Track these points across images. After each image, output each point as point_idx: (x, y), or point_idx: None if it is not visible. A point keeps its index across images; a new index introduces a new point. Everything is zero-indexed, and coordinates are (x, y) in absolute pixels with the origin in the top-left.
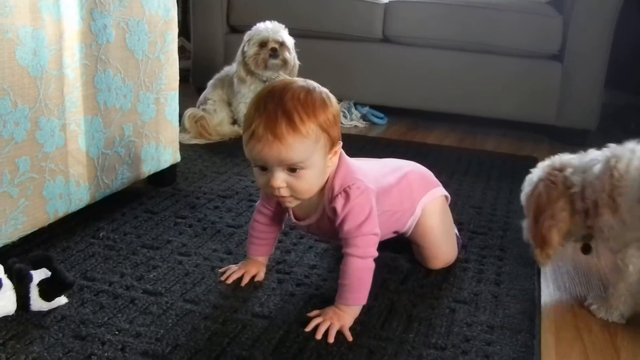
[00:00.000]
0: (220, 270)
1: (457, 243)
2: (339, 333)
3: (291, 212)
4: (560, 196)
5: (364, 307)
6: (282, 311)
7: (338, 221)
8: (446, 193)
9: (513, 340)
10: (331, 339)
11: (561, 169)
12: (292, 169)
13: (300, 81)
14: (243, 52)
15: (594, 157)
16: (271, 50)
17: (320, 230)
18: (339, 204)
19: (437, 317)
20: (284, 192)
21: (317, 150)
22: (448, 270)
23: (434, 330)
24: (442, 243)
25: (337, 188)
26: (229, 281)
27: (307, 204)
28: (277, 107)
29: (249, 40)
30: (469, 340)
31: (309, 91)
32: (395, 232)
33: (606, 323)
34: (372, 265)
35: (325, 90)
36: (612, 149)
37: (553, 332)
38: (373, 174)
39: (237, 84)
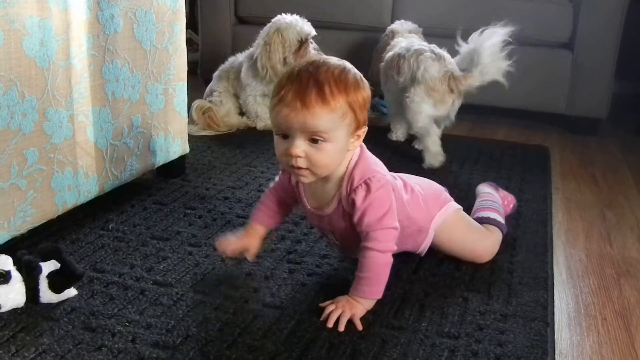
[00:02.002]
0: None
1: (501, 228)
2: (350, 322)
3: (304, 197)
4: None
5: None
6: (294, 301)
7: (357, 214)
8: (459, 207)
9: (526, 329)
10: (341, 327)
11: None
12: (313, 140)
13: (335, 59)
14: (286, 48)
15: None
16: (309, 44)
17: (332, 225)
18: (359, 196)
19: (450, 305)
20: (301, 163)
21: (342, 127)
22: (460, 260)
23: (447, 319)
24: (470, 245)
25: (357, 179)
26: (220, 248)
27: (321, 192)
28: (310, 77)
29: (286, 36)
30: (482, 328)
31: (344, 69)
32: (409, 249)
33: (620, 312)
34: (390, 259)
35: (359, 73)
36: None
37: (566, 321)
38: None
39: (246, 76)
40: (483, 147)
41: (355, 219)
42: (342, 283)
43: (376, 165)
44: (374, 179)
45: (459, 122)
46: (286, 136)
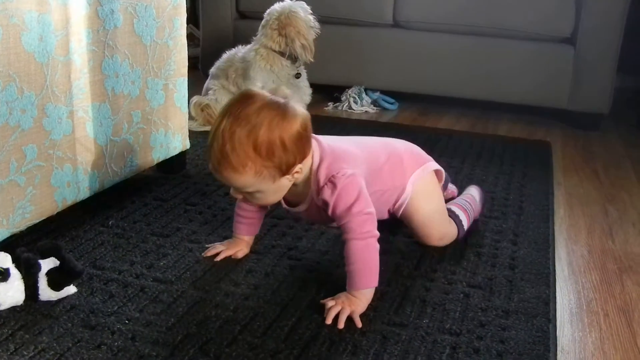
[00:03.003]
0: (207, 248)
1: (458, 227)
2: (350, 319)
3: (282, 200)
4: None
5: (377, 292)
6: (294, 298)
7: (330, 209)
8: (438, 167)
9: (528, 325)
10: (341, 325)
11: None
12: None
13: (254, 103)
14: (312, 33)
15: None
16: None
17: (312, 217)
18: (326, 194)
19: (451, 302)
20: (243, 201)
21: (262, 181)
22: (462, 255)
23: (449, 315)
24: (431, 224)
25: (322, 179)
26: (208, 254)
27: (293, 194)
28: (220, 146)
29: (296, 17)
30: (484, 325)
31: (257, 117)
32: (389, 212)
33: (622, 307)
34: (374, 244)
35: (282, 109)
36: None
37: (568, 317)
38: (362, 155)
39: (258, 71)
40: (485, 142)
41: (329, 213)
42: (343, 280)
43: (339, 159)
44: (338, 175)
45: (461, 118)
46: None
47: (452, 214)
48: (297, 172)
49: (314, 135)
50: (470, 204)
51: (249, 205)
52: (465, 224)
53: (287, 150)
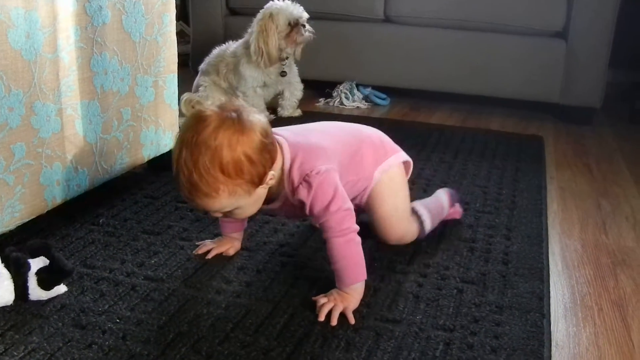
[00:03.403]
0: (197, 246)
1: (420, 226)
2: (344, 316)
3: None
4: None
5: (370, 288)
6: (287, 295)
7: (307, 210)
8: (407, 158)
9: (522, 321)
10: (334, 322)
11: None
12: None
13: (207, 127)
14: (277, 32)
15: None
16: (302, 27)
17: (286, 214)
18: (302, 194)
19: (444, 298)
20: (225, 219)
21: (238, 198)
22: (455, 251)
23: (442, 311)
24: (392, 220)
25: (296, 179)
26: (199, 252)
27: (269, 195)
28: (183, 170)
29: (271, 20)
30: (478, 321)
31: (215, 140)
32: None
33: (616, 302)
34: (355, 238)
35: (238, 124)
36: None
37: (562, 312)
38: (332, 147)
39: (247, 68)
40: (477, 137)
41: (307, 213)
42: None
43: (311, 156)
44: (312, 173)
45: (453, 113)
46: None
47: (415, 213)
48: (270, 178)
49: (279, 132)
50: (435, 205)
51: None
52: (428, 226)
53: (254, 163)
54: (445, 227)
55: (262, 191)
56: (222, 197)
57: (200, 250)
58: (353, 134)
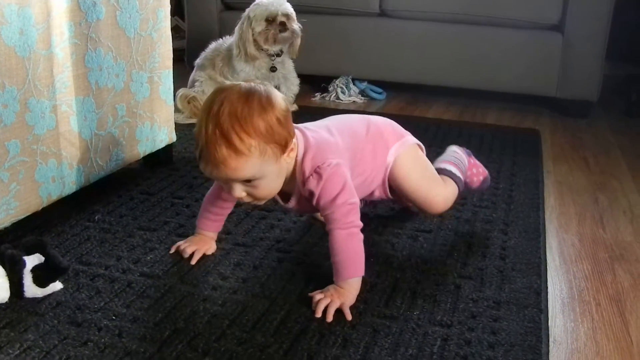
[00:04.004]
0: (171, 251)
1: (457, 182)
2: (340, 312)
3: (277, 196)
4: None
5: (367, 284)
6: (283, 291)
7: (315, 200)
8: (418, 141)
9: (520, 316)
10: (330, 318)
11: None
12: (247, 180)
13: (238, 89)
14: (251, 30)
15: None
16: (280, 25)
17: (304, 210)
18: (312, 185)
19: (442, 293)
20: (247, 199)
21: (266, 161)
22: (452, 246)
23: (439, 307)
24: (424, 187)
25: (307, 171)
26: (185, 255)
27: (282, 189)
28: (215, 129)
29: (253, 17)
30: (475, 316)
31: (246, 102)
32: (374, 191)
33: (614, 297)
34: (358, 234)
35: (266, 91)
36: None
37: (560, 307)
38: (344, 140)
39: (238, 62)
40: (473, 131)
41: (314, 203)
42: (332, 272)
43: (324, 149)
44: (323, 165)
45: (450, 107)
46: None
47: (442, 171)
48: (292, 149)
49: (296, 125)
50: (452, 155)
51: (220, 201)
52: (460, 174)
53: (282, 125)
54: (442, 222)
55: (284, 164)
56: (253, 156)
57: (185, 254)
58: (362, 122)
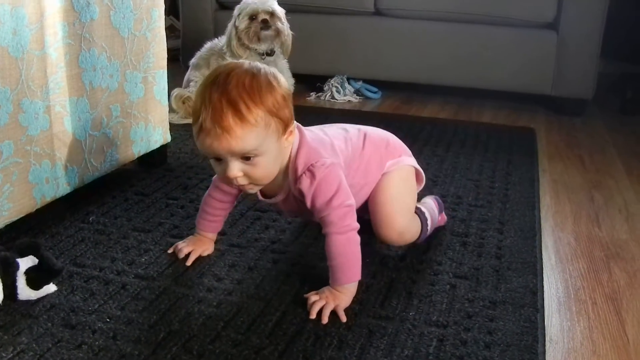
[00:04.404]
0: (169, 250)
1: (422, 224)
2: (335, 313)
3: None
4: None
5: (362, 285)
6: (278, 292)
7: (308, 202)
8: (417, 165)
9: (516, 316)
10: (325, 319)
11: None
12: (246, 157)
13: (245, 65)
14: (235, 27)
15: None
16: (262, 22)
17: (288, 208)
18: (304, 184)
19: (437, 293)
20: (242, 181)
21: (269, 136)
22: (448, 245)
23: (435, 307)
24: (394, 206)
25: (300, 168)
26: (180, 256)
27: (271, 184)
28: (221, 97)
29: (238, 15)
30: (471, 316)
31: (253, 75)
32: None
33: (610, 295)
34: (355, 237)
35: (271, 70)
36: None
37: (556, 306)
38: (341, 145)
39: (229, 59)
40: (469, 130)
41: (308, 205)
42: (327, 273)
43: (319, 147)
44: (317, 164)
45: (445, 106)
46: (219, 158)
47: (417, 210)
48: (291, 132)
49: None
50: (432, 208)
51: (218, 202)
52: (429, 225)
53: (286, 105)
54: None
55: (283, 148)
56: (259, 127)
57: (180, 254)
58: (358, 139)
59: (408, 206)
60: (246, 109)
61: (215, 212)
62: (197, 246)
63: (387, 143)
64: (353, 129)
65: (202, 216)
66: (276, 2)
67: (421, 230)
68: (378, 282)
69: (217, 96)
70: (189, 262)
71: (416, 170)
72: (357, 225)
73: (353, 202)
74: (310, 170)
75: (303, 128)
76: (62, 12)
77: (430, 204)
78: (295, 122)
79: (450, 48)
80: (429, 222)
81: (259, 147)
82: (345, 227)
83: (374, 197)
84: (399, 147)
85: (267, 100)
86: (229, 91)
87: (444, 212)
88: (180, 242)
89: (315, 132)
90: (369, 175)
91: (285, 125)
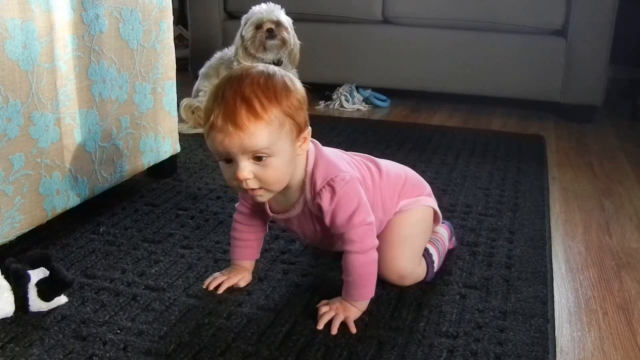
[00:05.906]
0: (204, 285)
1: (428, 267)
2: (345, 325)
3: (267, 205)
4: None
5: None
6: (288, 303)
7: (327, 218)
8: (435, 206)
9: (526, 326)
10: (334, 331)
11: None
12: (257, 158)
13: (261, 66)
14: (241, 37)
15: None
16: (267, 31)
17: (301, 227)
18: (324, 199)
19: (447, 304)
20: (252, 184)
21: (283, 136)
22: (457, 255)
23: (445, 317)
24: (399, 252)
25: (319, 182)
26: (210, 287)
27: (283, 198)
28: (235, 95)
29: (245, 24)
30: (481, 327)
31: (269, 76)
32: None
33: (621, 305)
34: (374, 256)
35: (288, 74)
36: None
37: (567, 316)
38: (359, 172)
39: (235, 66)
40: (478, 138)
41: (327, 222)
42: (337, 283)
43: (337, 161)
44: (337, 178)
45: (454, 113)
46: (229, 160)
47: (425, 252)
48: (305, 139)
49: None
50: (440, 242)
51: (245, 226)
52: (436, 266)
53: (301, 109)
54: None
55: (296, 154)
56: (273, 125)
57: (211, 285)
58: (375, 169)
59: (416, 249)
60: (260, 106)
61: (243, 237)
62: (232, 275)
63: (405, 181)
64: (368, 158)
65: (232, 243)
66: (283, 11)
67: (427, 272)
68: (388, 292)
69: (230, 94)
70: (220, 291)
71: (434, 210)
72: (377, 243)
73: (373, 218)
74: (330, 185)
75: (319, 143)
76: (72, 25)
77: (441, 235)
78: (310, 134)
79: (458, 56)
80: (435, 264)
81: (271, 145)
82: (366, 245)
83: (383, 235)
84: (418, 185)
85: (282, 100)
86: (243, 89)
87: (454, 238)
88: (217, 273)
89: (332, 148)
90: (384, 210)
91: (300, 130)
